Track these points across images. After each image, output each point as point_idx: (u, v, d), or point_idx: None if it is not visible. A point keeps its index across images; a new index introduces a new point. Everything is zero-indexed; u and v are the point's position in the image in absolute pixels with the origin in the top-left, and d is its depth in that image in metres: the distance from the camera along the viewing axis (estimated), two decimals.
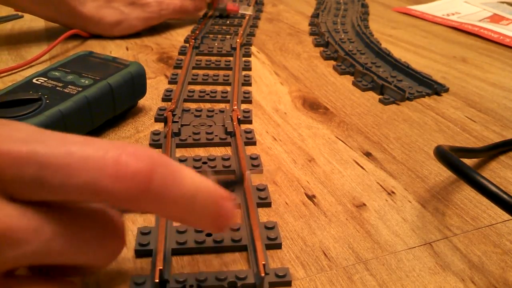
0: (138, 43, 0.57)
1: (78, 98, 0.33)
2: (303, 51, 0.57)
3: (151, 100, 0.42)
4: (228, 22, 0.65)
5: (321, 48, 0.57)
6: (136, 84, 0.38)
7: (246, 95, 0.43)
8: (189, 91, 0.43)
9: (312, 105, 0.43)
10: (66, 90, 0.34)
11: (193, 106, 0.41)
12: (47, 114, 0.31)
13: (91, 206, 0.19)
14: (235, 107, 0.39)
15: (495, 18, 0.70)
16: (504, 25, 0.66)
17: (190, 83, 0.46)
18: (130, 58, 0.52)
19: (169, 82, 0.46)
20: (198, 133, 0.36)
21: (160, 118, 0.39)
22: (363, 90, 0.46)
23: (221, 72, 0.48)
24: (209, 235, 0.26)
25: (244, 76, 0.47)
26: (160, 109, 0.40)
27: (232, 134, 0.36)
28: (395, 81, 0.46)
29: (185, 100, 0.42)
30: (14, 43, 0.56)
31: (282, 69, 0.51)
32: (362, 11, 0.72)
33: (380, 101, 0.44)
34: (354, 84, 0.47)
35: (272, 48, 0.57)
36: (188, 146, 0.35)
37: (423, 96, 0.45)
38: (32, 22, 0.64)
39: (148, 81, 0.41)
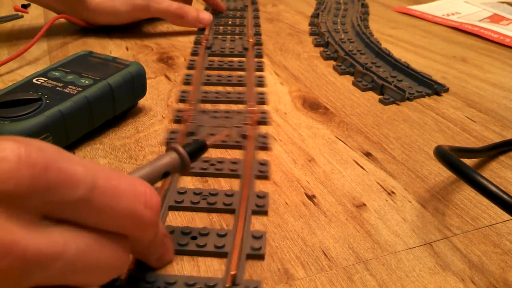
0: (138, 43, 0.57)
1: (78, 98, 0.33)
2: (303, 51, 0.57)
3: (151, 100, 0.42)
4: (230, 22, 0.65)
5: (321, 48, 0.57)
6: (136, 84, 0.38)
7: (261, 96, 0.43)
8: (204, 92, 0.43)
9: (312, 105, 0.43)
10: (66, 90, 0.34)
11: (209, 107, 0.41)
12: (47, 114, 0.31)
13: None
14: (252, 108, 0.39)
15: (495, 18, 0.70)
16: (504, 25, 0.66)
17: (204, 84, 0.46)
18: (130, 58, 0.52)
19: (184, 83, 0.46)
20: (214, 135, 0.36)
21: (178, 119, 0.38)
22: (363, 90, 0.46)
23: (235, 73, 0.48)
24: (193, 238, 0.26)
25: (258, 77, 0.47)
26: (177, 110, 0.40)
27: (247, 137, 0.35)
28: (395, 81, 0.46)
29: (201, 101, 0.42)
30: (14, 43, 0.56)
31: (282, 69, 0.51)
32: (362, 11, 0.72)
33: (380, 101, 0.44)
34: (354, 84, 0.47)
35: (272, 48, 0.57)
36: None
37: (423, 96, 0.45)
38: (32, 21, 0.64)
39: (148, 81, 0.41)
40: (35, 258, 0.16)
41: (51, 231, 0.17)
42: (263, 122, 0.39)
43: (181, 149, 0.24)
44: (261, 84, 0.46)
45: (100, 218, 0.18)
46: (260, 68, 0.50)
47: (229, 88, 0.45)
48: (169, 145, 0.24)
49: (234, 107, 0.41)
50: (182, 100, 0.42)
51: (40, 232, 0.17)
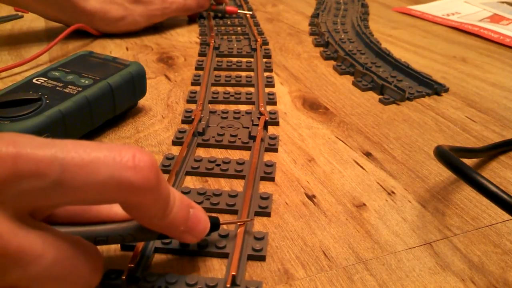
0: (138, 43, 0.57)
1: (78, 98, 0.33)
2: (303, 51, 0.57)
3: (151, 100, 0.42)
4: (229, 22, 0.65)
5: (321, 48, 0.57)
6: (136, 84, 0.38)
7: (271, 97, 0.43)
8: (214, 93, 0.43)
9: (312, 105, 0.43)
10: (66, 90, 0.34)
11: (218, 107, 0.41)
12: (47, 114, 0.31)
13: (80, 239, 0.20)
14: (262, 109, 0.39)
15: (495, 18, 0.70)
16: (504, 25, 0.66)
17: (213, 85, 0.46)
18: (130, 58, 0.52)
19: (192, 84, 0.46)
20: (222, 135, 0.36)
21: (187, 119, 0.39)
22: (363, 90, 0.46)
23: (243, 73, 0.48)
24: None
25: (267, 77, 0.47)
26: (186, 110, 0.40)
27: (255, 139, 0.35)
28: (395, 81, 0.46)
29: (210, 102, 0.42)
30: (14, 43, 0.56)
31: (282, 69, 0.51)
32: (362, 11, 0.72)
33: (380, 101, 0.44)
34: (354, 84, 0.47)
35: (272, 48, 0.57)
36: (210, 146, 0.35)
37: (423, 96, 0.45)
38: (32, 22, 0.64)
39: (148, 81, 0.41)
40: (15, 254, 0.16)
41: (31, 232, 0.17)
42: (273, 123, 0.39)
43: None
44: (270, 84, 0.46)
45: (82, 195, 0.18)
46: (269, 69, 0.50)
47: (238, 89, 0.45)
48: None
49: (243, 107, 0.41)
50: (190, 100, 0.42)
51: (22, 230, 0.17)
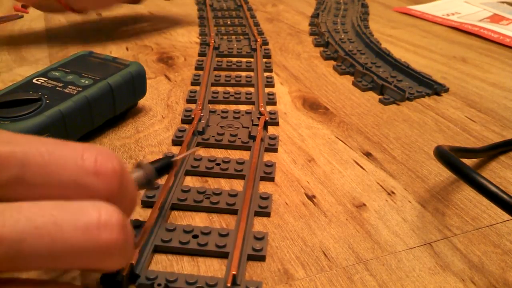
0: (138, 43, 0.57)
1: (78, 98, 0.33)
2: (303, 51, 0.57)
3: (151, 100, 0.42)
4: (229, 22, 0.65)
5: (321, 48, 0.57)
6: (136, 84, 0.38)
7: (271, 97, 0.43)
8: (213, 92, 0.43)
9: (312, 105, 0.43)
10: (66, 90, 0.34)
11: (218, 107, 0.41)
12: (47, 114, 0.31)
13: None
14: (262, 109, 0.39)
15: (495, 18, 0.70)
16: (504, 25, 0.66)
17: (213, 84, 0.46)
18: (130, 58, 0.52)
19: (192, 84, 0.46)
20: (222, 134, 0.36)
21: (187, 119, 0.39)
22: (363, 90, 0.46)
23: (243, 73, 0.48)
24: (195, 236, 0.26)
25: (267, 77, 0.47)
26: (186, 110, 0.40)
27: (255, 139, 0.35)
28: (395, 81, 0.46)
29: (210, 102, 0.42)
30: (14, 43, 0.56)
31: (282, 69, 0.51)
32: (362, 11, 0.72)
33: (380, 101, 0.44)
34: (354, 84, 0.47)
35: (272, 48, 0.57)
36: (210, 146, 0.35)
37: (423, 96, 0.45)
38: (32, 22, 0.64)
39: (148, 81, 0.41)
40: None
41: None
42: (272, 123, 0.39)
43: (146, 166, 0.24)
44: (270, 84, 0.46)
45: (46, 192, 0.17)
46: (268, 69, 0.50)
47: (238, 89, 0.45)
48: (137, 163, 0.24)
49: (243, 107, 0.41)
50: (190, 100, 0.42)
51: None
